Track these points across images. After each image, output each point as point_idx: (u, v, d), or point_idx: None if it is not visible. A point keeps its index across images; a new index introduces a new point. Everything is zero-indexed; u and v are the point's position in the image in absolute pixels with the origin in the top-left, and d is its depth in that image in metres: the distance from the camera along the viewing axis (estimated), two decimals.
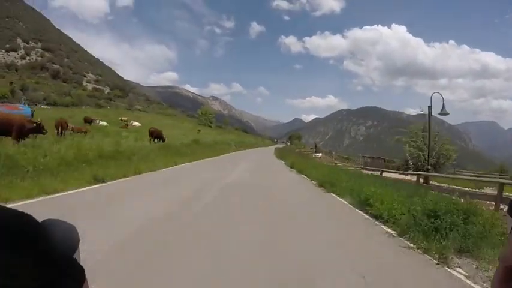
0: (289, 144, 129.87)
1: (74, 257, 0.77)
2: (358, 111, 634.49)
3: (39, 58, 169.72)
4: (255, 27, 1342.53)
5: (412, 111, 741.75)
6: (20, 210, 0.65)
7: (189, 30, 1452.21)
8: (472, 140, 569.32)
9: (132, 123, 59.16)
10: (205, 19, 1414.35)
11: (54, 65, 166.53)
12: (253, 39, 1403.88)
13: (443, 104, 22.07)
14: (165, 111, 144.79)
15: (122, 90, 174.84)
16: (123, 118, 62.99)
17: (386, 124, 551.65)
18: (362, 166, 41.43)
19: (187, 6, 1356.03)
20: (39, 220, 0.69)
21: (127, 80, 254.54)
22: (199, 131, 75.02)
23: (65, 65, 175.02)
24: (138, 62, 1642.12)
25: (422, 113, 37.07)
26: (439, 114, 22.14)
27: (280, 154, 50.57)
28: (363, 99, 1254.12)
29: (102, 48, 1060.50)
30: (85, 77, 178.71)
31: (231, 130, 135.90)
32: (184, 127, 78.90)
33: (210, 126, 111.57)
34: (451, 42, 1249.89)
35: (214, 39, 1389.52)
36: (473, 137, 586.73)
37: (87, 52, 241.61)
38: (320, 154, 74.11)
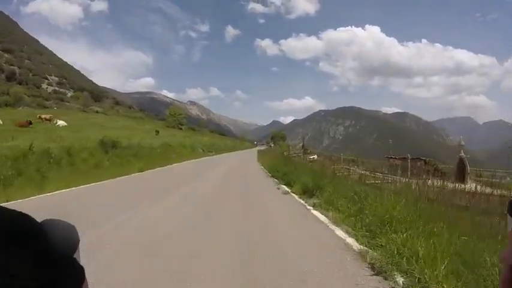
0: (272, 146, 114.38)
1: (74, 256, 0.76)
2: (336, 112, 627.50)
3: None
4: (231, 31, 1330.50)
5: (388, 109, 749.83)
6: (19, 210, 0.63)
7: (164, 35, 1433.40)
8: (449, 135, 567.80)
9: (56, 122, 45.24)
10: (180, 23, 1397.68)
11: (11, 66, 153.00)
12: (229, 43, 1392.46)
13: None
14: (131, 114, 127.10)
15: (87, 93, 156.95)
16: (42, 116, 46.98)
17: (364, 123, 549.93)
18: (386, 173, 25.51)
19: (161, 10, 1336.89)
20: (39, 220, 0.69)
21: (96, 84, 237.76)
22: (158, 132, 58.41)
23: (25, 67, 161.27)
24: (114, 68, 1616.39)
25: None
26: None
27: (267, 161, 32.02)
28: (340, 99, 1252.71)
29: (76, 54, 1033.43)
30: (47, 79, 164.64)
31: (205, 132, 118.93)
32: (142, 129, 62.20)
33: (180, 128, 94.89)
34: (424, 41, 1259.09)
35: (190, 44, 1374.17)
36: (449, 132, 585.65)
37: (55, 55, 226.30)
38: (315, 156, 58.71)
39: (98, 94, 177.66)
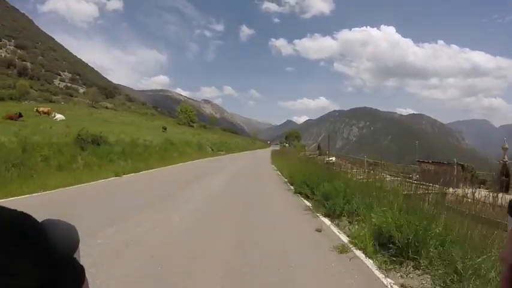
0: (286, 145, 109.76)
1: (74, 256, 0.76)
2: (350, 112, 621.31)
3: (9, 55, 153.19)
4: (245, 31, 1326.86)
5: (403, 111, 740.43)
6: (20, 210, 0.63)
7: (179, 33, 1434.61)
8: (465, 138, 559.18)
9: (54, 116, 41.59)
10: (195, 22, 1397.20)
11: (24, 62, 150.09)
12: (244, 42, 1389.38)
13: None
14: (142, 110, 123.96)
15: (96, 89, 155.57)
16: (40, 109, 43.63)
17: (379, 124, 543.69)
18: (415, 180, 21.22)
19: (176, 9, 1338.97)
20: (39, 220, 0.68)
21: (110, 81, 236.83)
22: (165, 129, 54.80)
23: (37, 63, 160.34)
24: (129, 66, 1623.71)
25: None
26: None
27: (283, 165, 26.60)
28: (354, 100, 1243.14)
29: (92, 53, 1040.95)
30: (59, 75, 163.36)
31: (217, 131, 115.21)
32: (149, 125, 58.70)
33: (192, 126, 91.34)
34: (440, 42, 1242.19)
35: (204, 43, 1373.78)
36: (465, 135, 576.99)
37: (69, 52, 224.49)
38: (333, 158, 54.58)
39: (110, 91, 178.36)
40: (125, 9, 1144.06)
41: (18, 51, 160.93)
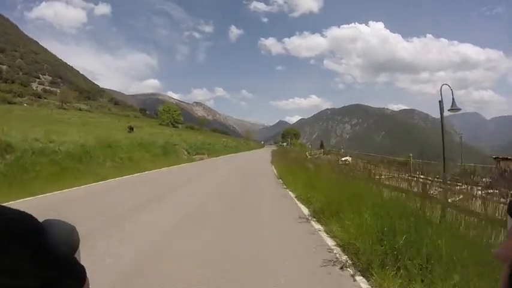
0: (284, 145, 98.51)
1: (75, 256, 0.74)
2: (343, 110, 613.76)
3: None
4: (234, 31, 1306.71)
5: (395, 106, 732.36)
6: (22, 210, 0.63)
7: (168, 36, 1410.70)
8: (457, 131, 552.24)
9: None
10: (184, 24, 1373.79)
11: (0, 65, 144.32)
12: (233, 43, 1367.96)
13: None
14: (124, 112, 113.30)
15: (82, 93, 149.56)
16: None
17: (371, 121, 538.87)
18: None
19: (165, 12, 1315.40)
20: (40, 220, 0.68)
21: (97, 84, 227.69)
22: (131, 129, 42.92)
23: (15, 66, 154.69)
24: (120, 71, 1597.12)
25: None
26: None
27: (302, 179, 14.61)
28: (345, 97, 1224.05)
29: (82, 58, 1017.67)
30: (38, 78, 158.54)
31: (205, 132, 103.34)
32: (115, 125, 47.58)
33: (176, 127, 79.75)
34: (429, 36, 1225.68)
35: (194, 45, 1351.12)
36: (457, 128, 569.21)
37: (53, 55, 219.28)
38: (349, 159, 43.44)
39: (94, 94, 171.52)
40: (113, 14, 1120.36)
41: None
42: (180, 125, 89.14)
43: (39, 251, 0.60)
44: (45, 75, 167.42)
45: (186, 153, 33.06)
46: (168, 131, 58.04)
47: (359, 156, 47.48)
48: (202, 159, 34.06)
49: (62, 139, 18.50)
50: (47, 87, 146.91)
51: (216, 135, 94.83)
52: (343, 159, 43.23)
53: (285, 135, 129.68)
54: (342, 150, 54.06)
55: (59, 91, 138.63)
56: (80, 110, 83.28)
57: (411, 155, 34.31)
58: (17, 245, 0.57)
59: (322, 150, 69.05)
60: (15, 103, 73.17)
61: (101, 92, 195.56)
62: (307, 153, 45.61)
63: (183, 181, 16.29)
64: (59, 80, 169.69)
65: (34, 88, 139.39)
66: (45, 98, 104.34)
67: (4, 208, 0.60)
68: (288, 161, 26.55)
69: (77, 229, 0.73)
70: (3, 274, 0.54)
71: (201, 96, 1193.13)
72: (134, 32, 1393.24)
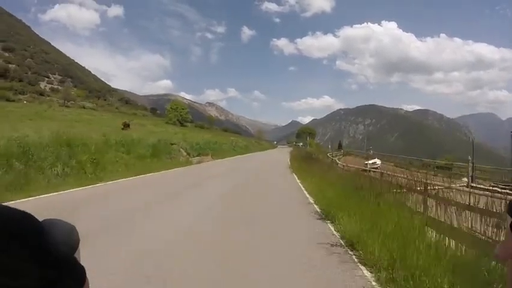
0: (300, 145, 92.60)
1: (75, 256, 0.74)
2: (356, 110, 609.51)
3: None
4: (246, 31, 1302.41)
5: (409, 107, 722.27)
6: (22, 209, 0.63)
7: (181, 37, 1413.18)
8: (472, 132, 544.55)
9: None
10: (197, 25, 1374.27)
11: (9, 65, 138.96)
12: (246, 44, 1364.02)
13: None
14: (131, 111, 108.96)
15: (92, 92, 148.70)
16: None
17: (385, 121, 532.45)
18: None
19: (178, 13, 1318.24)
20: (40, 220, 0.67)
21: (108, 84, 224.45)
22: (127, 126, 37.97)
23: (24, 65, 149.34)
24: (133, 71, 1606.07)
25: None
26: None
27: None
28: (358, 97, 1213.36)
29: (95, 59, 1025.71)
30: (48, 77, 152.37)
31: (216, 130, 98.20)
32: (112, 124, 41.74)
33: (184, 125, 74.64)
34: (443, 35, 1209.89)
35: (207, 46, 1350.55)
36: (472, 129, 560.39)
37: (64, 55, 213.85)
38: (378, 162, 37.92)
39: (104, 93, 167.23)
40: (125, 16, 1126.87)
41: (5, 54, 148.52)
42: (189, 124, 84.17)
43: (39, 251, 0.60)
44: (55, 74, 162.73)
45: (184, 153, 27.73)
46: (173, 129, 53.00)
47: (386, 159, 42.11)
48: (201, 162, 28.39)
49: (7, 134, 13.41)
50: (55, 86, 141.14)
51: (226, 134, 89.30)
52: (370, 162, 37.82)
53: (300, 135, 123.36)
54: (372, 152, 47.84)
55: (71, 91, 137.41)
56: (83, 108, 78.36)
57: (469, 158, 28.53)
58: (17, 245, 0.56)
59: (342, 151, 63.35)
60: (13, 100, 68.76)
61: (112, 91, 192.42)
62: (328, 154, 40.12)
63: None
64: (69, 79, 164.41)
65: (42, 87, 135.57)
66: (48, 96, 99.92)
67: (4, 208, 0.60)
68: (314, 168, 20.64)
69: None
70: (3, 274, 0.53)
71: (213, 96, 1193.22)
72: (147, 33, 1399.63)
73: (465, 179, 28.95)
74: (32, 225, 0.62)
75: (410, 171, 34.39)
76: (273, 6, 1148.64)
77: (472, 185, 23.73)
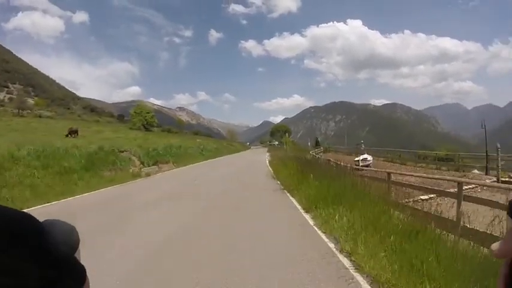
0: (276, 144, 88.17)
1: (75, 256, 0.73)
2: (326, 108, 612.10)
3: None
4: (214, 34, 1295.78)
5: (377, 101, 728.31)
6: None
7: (149, 43, 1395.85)
8: (440, 122, 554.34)
9: None
10: (164, 30, 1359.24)
11: None
12: (214, 47, 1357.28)
13: None
14: (92, 118, 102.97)
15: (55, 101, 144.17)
16: None
17: (355, 117, 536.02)
18: None
19: (144, 19, 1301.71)
20: (40, 220, 0.67)
21: (74, 93, 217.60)
22: (73, 133, 32.41)
23: None
24: (101, 79, 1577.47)
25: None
26: None
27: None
28: (328, 95, 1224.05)
29: (61, 69, 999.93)
30: (7, 87, 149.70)
31: (185, 134, 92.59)
32: (57, 131, 35.89)
33: (149, 130, 68.88)
34: (407, 31, 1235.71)
35: (175, 50, 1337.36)
36: (440, 119, 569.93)
37: (27, 64, 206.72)
38: (368, 157, 33.35)
39: (68, 101, 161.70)
40: (91, 22, 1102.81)
41: None
42: (155, 129, 78.43)
43: (39, 251, 0.59)
44: (15, 84, 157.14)
45: (137, 163, 22.36)
46: (135, 134, 47.35)
47: (372, 153, 37.59)
48: (156, 172, 22.48)
49: None
50: (14, 96, 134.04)
51: (195, 138, 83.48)
52: (360, 158, 33.15)
53: (274, 133, 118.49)
54: (363, 147, 42.95)
55: (31, 100, 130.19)
56: (39, 117, 72.12)
57: (498, 146, 24.18)
58: (17, 245, 0.56)
59: (322, 148, 58.25)
60: None
61: (77, 99, 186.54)
62: (311, 152, 35.14)
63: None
64: (30, 89, 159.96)
65: (1, 97, 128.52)
66: (1, 106, 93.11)
67: (4, 208, 0.59)
68: (302, 167, 14.99)
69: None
70: (3, 274, 0.53)
71: (183, 101, 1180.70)
72: (114, 40, 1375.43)
73: (476, 171, 25.09)
74: (32, 225, 0.62)
75: (412, 166, 29.47)
76: (239, 8, 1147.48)
77: (503, 179, 19.61)
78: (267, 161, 32.76)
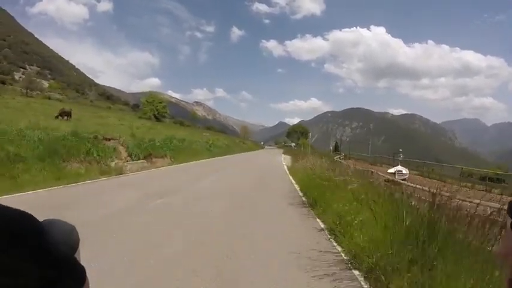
0: (293, 146, 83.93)
1: (75, 256, 0.74)
2: (343, 113, 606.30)
3: None
4: (236, 32, 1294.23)
5: (396, 111, 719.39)
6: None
7: (170, 35, 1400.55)
8: (457, 137, 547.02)
9: None
10: (186, 24, 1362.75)
11: None
12: (235, 44, 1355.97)
13: None
14: (105, 104, 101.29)
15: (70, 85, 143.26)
16: None
17: (372, 125, 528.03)
18: None
19: (168, 11, 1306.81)
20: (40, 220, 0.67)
21: (92, 79, 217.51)
22: (65, 114, 28.88)
23: (0, 54, 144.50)
24: (121, 69, 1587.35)
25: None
26: None
27: None
28: (345, 101, 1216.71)
29: (83, 55, 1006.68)
30: (24, 68, 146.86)
31: (198, 128, 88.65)
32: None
33: (160, 120, 65.24)
34: (430, 42, 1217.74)
35: (196, 45, 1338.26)
36: (457, 134, 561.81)
37: (47, 47, 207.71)
38: (403, 171, 28.44)
39: (84, 87, 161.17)
40: (115, 12, 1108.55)
41: None
42: (167, 120, 75.01)
43: (39, 251, 0.59)
44: (32, 65, 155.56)
45: (124, 155, 18.36)
46: (142, 124, 43.57)
47: (405, 166, 32.46)
48: (141, 169, 17.62)
49: None
50: (34, 79, 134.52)
51: (209, 133, 79.43)
52: (392, 170, 28.30)
53: (291, 134, 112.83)
54: (401, 156, 36.50)
55: (46, 83, 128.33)
56: (49, 98, 69.62)
57: None
58: (17, 245, 0.56)
59: (344, 155, 52.30)
60: None
61: (93, 86, 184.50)
62: (335, 158, 30.57)
63: None
64: (47, 71, 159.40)
65: (17, 78, 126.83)
66: (10, 84, 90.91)
67: (4, 208, 0.59)
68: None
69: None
70: (3, 274, 0.53)
71: (201, 96, 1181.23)
72: (136, 30, 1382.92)
73: None
74: (32, 225, 0.61)
75: (455, 185, 24.63)
76: (263, 7, 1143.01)
77: None
78: (285, 167, 26.87)
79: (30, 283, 0.56)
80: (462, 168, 31.48)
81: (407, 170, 29.13)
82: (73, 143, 15.01)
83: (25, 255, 0.56)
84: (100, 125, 26.88)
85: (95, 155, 15.27)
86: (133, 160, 18.25)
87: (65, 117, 28.10)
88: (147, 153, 20.39)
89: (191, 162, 25.35)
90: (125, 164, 16.54)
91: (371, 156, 59.03)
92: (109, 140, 18.76)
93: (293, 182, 16.80)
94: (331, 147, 73.63)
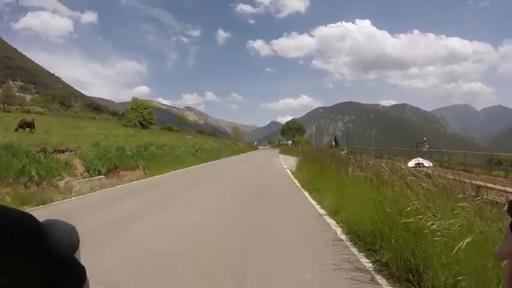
0: (290, 144, 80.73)
1: (75, 256, 0.73)
2: (334, 108, 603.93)
3: None
4: (222, 34, 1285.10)
5: (386, 102, 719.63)
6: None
7: (157, 42, 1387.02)
8: (449, 123, 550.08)
9: None
10: (172, 30, 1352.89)
11: None
12: (221, 46, 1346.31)
13: None
14: (89, 115, 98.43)
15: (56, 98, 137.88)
16: None
17: (363, 117, 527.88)
18: None
19: (153, 18, 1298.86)
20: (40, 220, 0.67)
21: (79, 91, 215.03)
22: (27, 125, 25.31)
23: None
24: (109, 79, 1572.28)
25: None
26: None
27: None
28: (336, 95, 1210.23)
29: (69, 68, 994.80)
30: (3, 83, 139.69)
31: (188, 133, 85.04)
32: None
33: (146, 127, 61.99)
34: (416, 31, 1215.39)
35: (182, 50, 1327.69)
36: (449, 120, 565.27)
37: (31, 62, 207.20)
38: (425, 163, 24.68)
39: (70, 99, 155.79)
40: (99, 22, 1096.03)
41: None
42: (154, 126, 71.68)
43: (39, 251, 0.59)
44: (16, 80, 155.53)
45: (81, 170, 14.83)
46: (123, 131, 40.39)
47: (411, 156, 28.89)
48: (68, 197, 12.26)
49: None
50: (10, 92, 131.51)
51: (200, 137, 75.77)
52: (412, 163, 24.54)
53: (286, 131, 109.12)
54: (426, 146, 32.35)
55: (29, 96, 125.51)
56: (28, 112, 66.88)
57: None
58: (17, 245, 0.56)
59: (346, 150, 47.16)
60: None
61: (79, 97, 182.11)
62: (342, 153, 27.03)
63: None
64: (32, 85, 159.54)
65: None
66: None
67: (4, 208, 0.59)
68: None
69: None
70: (3, 274, 0.53)
71: (191, 101, 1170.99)
72: (122, 39, 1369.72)
73: None
74: (32, 225, 0.61)
75: (484, 175, 21.19)
76: (247, 8, 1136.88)
77: None
78: (289, 172, 22.88)
79: (31, 283, 0.56)
80: (491, 154, 28.03)
81: (429, 162, 25.45)
82: (2, 160, 11.47)
83: (25, 255, 0.56)
84: (70, 136, 23.69)
85: (33, 174, 11.73)
86: (91, 176, 14.69)
87: (27, 129, 24.71)
88: (111, 165, 16.74)
89: (168, 173, 21.38)
90: (75, 183, 12.81)
91: (374, 149, 55.42)
92: (63, 152, 15.35)
93: (305, 194, 11.80)
94: (332, 143, 69.80)
